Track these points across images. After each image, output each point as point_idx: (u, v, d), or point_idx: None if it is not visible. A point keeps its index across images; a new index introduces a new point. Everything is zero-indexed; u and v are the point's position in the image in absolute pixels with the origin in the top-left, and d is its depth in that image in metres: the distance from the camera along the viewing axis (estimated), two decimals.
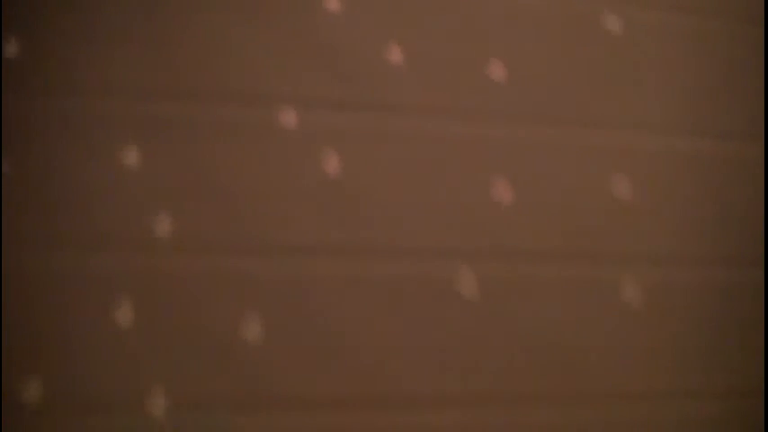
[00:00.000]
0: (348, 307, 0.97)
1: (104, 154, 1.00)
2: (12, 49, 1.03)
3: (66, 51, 1.04)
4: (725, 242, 1.07)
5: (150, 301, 0.94)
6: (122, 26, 1.06)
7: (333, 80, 1.07)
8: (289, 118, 1.04)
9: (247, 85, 1.05)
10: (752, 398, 1.00)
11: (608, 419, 0.96)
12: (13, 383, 0.90)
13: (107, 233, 0.97)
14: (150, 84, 1.04)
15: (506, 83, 1.10)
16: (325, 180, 1.02)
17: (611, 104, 1.11)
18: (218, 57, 1.06)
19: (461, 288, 0.99)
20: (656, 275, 1.04)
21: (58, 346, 0.91)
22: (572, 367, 0.98)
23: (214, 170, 1.01)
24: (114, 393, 0.91)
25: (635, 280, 1.03)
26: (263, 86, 1.05)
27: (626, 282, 1.03)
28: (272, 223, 0.99)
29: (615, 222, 1.05)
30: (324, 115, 1.05)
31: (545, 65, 1.11)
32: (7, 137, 0.99)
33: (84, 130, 1.01)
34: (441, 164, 1.05)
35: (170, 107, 1.03)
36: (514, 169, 1.06)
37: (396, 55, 1.09)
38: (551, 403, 0.96)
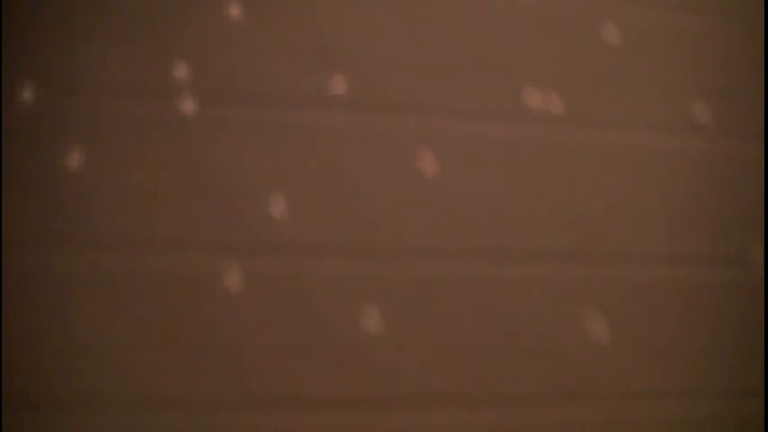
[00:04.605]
0: (347, 307, 0.97)
1: (105, 154, 1.00)
2: (12, 49, 1.03)
3: (66, 51, 1.04)
4: (725, 242, 1.07)
5: (151, 302, 0.94)
6: (122, 26, 1.06)
7: (337, 81, 1.07)
8: (292, 117, 1.04)
9: (249, 85, 1.05)
10: (752, 398, 1.00)
11: (608, 419, 0.96)
12: (13, 381, 0.90)
13: (107, 233, 0.97)
14: (150, 83, 1.04)
15: (507, 83, 1.10)
16: (326, 180, 1.02)
17: (610, 104, 1.11)
18: (218, 56, 1.06)
19: (462, 287, 0.99)
20: (655, 275, 1.04)
21: (57, 345, 0.91)
22: (572, 367, 0.98)
23: (215, 169, 1.01)
24: (115, 393, 0.90)
25: (634, 280, 1.03)
26: (264, 86, 1.05)
27: (625, 281, 1.03)
28: (273, 223, 0.99)
29: (615, 222, 1.05)
30: (328, 114, 1.05)
31: (545, 65, 1.11)
32: (8, 137, 0.99)
33: (85, 129, 1.01)
34: (438, 163, 1.05)
35: (170, 107, 1.03)
36: (513, 169, 1.06)
37: (402, 55, 1.09)
38: (551, 403, 0.96)
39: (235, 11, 1.08)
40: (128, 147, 1.01)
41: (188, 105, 1.03)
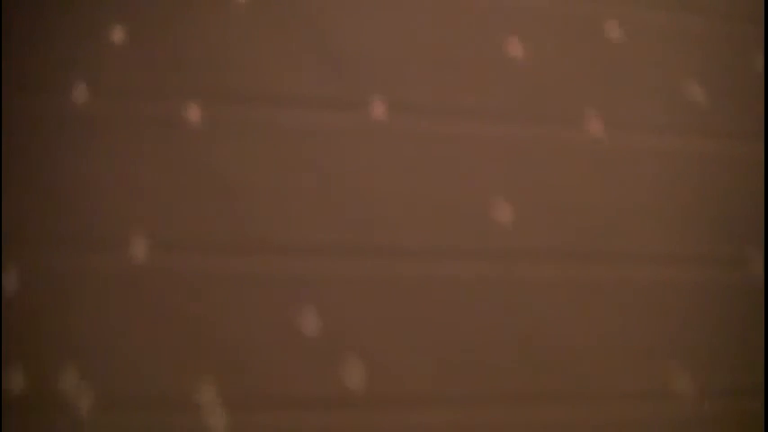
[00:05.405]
0: (348, 306, 0.97)
1: (105, 154, 1.00)
2: (12, 48, 1.03)
3: (66, 51, 1.04)
4: (725, 242, 1.07)
5: (151, 302, 0.94)
6: (123, 26, 1.06)
7: (333, 79, 1.07)
8: (289, 117, 1.04)
9: (248, 85, 1.05)
10: (752, 398, 1.00)
11: (608, 419, 0.96)
12: (13, 381, 0.90)
13: (107, 233, 0.97)
14: (150, 84, 1.04)
15: (507, 82, 1.10)
16: (325, 180, 1.02)
17: (610, 104, 1.11)
18: (219, 56, 1.06)
19: (461, 287, 0.99)
20: (656, 275, 1.04)
21: (57, 345, 0.91)
22: (572, 367, 0.98)
23: (215, 170, 1.01)
24: (115, 393, 0.91)
25: (635, 280, 1.03)
26: (263, 86, 1.05)
27: (626, 281, 1.03)
28: (273, 223, 0.99)
29: (615, 222, 1.05)
30: (324, 115, 1.05)
31: (546, 64, 1.12)
32: (7, 137, 0.99)
33: (85, 129, 1.01)
34: (438, 163, 1.05)
35: (170, 107, 1.03)
36: (514, 170, 1.06)
37: (396, 53, 1.09)
38: (551, 403, 0.96)
39: (240, 9, 1.08)
40: (129, 147, 1.01)
41: (190, 106, 1.03)
